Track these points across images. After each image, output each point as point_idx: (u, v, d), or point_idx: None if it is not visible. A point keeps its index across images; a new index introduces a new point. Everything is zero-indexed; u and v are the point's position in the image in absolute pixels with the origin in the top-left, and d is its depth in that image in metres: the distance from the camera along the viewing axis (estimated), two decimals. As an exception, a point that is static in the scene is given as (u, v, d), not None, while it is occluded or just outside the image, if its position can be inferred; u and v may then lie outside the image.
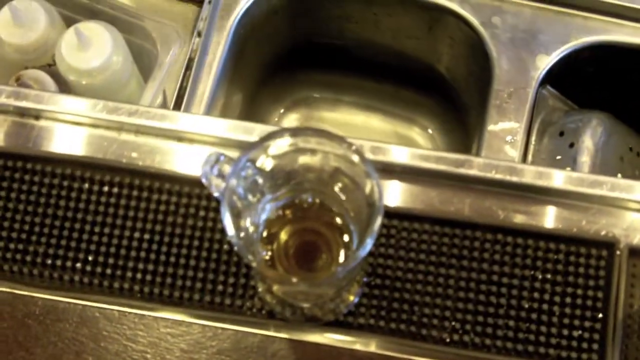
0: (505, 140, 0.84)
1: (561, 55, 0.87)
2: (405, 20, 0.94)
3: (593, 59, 0.89)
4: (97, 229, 0.65)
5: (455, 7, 0.88)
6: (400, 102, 1.07)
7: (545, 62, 0.87)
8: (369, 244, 0.50)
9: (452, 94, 1.00)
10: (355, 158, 0.53)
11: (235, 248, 0.52)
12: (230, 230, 0.51)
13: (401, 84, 1.05)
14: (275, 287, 0.61)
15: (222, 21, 0.88)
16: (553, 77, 0.88)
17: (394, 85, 1.06)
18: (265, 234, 0.57)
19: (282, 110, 1.06)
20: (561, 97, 0.91)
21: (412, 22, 0.94)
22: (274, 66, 1.01)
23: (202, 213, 0.65)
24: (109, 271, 0.64)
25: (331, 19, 0.97)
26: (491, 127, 0.85)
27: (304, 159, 0.54)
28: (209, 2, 0.89)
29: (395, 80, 1.05)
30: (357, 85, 1.07)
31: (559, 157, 0.86)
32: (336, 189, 0.57)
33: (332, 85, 1.08)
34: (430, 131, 1.07)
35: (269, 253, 0.56)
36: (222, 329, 0.63)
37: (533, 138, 0.88)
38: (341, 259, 0.56)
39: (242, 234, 0.53)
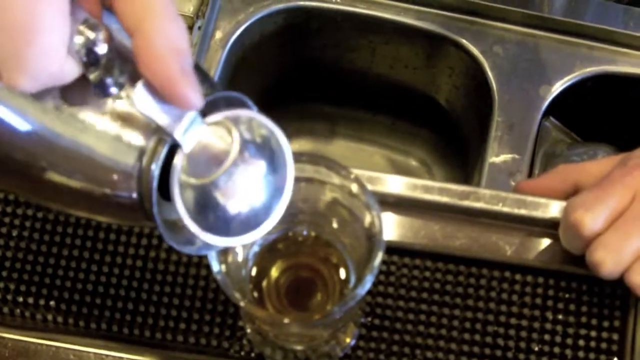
0: (507, 173, 0.81)
1: (565, 85, 0.84)
2: (402, 49, 0.91)
3: (598, 90, 0.86)
4: (73, 264, 0.60)
5: (454, 35, 0.86)
6: (397, 134, 1.04)
7: (548, 93, 0.84)
8: (368, 281, 0.47)
9: (451, 126, 0.97)
10: (355, 188, 0.50)
11: (221, 286, 0.48)
12: (215, 265, 0.48)
13: (398, 115, 1.02)
14: (265, 328, 0.57)
15: (212, 49, 0.85)
16: (556, 108, 0.85)
17: (391, 117, 1.03)
18: (254, 269, 0.53)
19: (274, 143, 1.03)
20: (565, 129, 0.89)
21: (410, 51, 0.91)
22: (265, 96, 0.98)
23: (187, 247, 0.60)
24: (85, 310, 0.60)
25: (326, 47, 0.94)
26: (492, 160, 0.82)
27: (298, 188, 0.51)
28: (199, 28, 0.85)
29: (391, 111, 1.02)
30: (352, 116, 1.04)
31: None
32: (333, 221, 0.53)
33: (326, 116, 1.05)
34: (427, 163, 1.04)
35: (259, 291, 0.52)
36: (208, 373, 0.59)
37: (536, 171, 0.85)
38: (338, 297, 0.52)
39: (229, 270, 0.49)
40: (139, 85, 0.38)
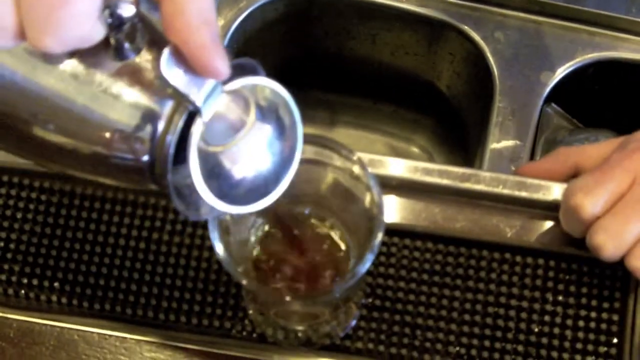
0: (509, 159, 0.81)
1: (566, 71, 0.84)
2: (404, 35, 0.91)
3: (599, 76, 0.86)
4: (76, 246, 0.61)
5: (456, 22, 0.86)
6: (398, 121, 1.04)
7: (550, 79, 0.84)
8: (368, 260, 0.47)
9: (452, 112, 0.97)
10: (356, 169, 0.50)
11: (224, 266, 0.48)
12: (218, 246, 0.48)
13: (400, 102, 1.02)
14: (266, 308, 0.57)
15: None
16: (558, 94, 0.85)
17: (392, 104, 1.03)
18: (256, 249, 0.53)
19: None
20: (566, 115, 0.89)
21: (411, 37, 0.91)
22: (267, 83, 0.98)
23: (189, 229, 0.61)
24: (88, 291, 0.60)
25: (328, 34, 0.94)
26: (493, 146, 0.82)
27: (301, 169, 0.51)
28: (201, 15, 0.85)
29: (393, 98, 1.02)
30: (354, 104, 1.04)
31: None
32: (334, 202, 0.53)
33: (327, 104, 1.05)
34: (429, 151, 1.04)
35: (261, 270, 0.52)
36: (210, 353, 0.59)
37: (538, 157, 0.85)
38: (338, 276, 0.52)
39: (231, 250, 0.49)
40: (167, 52, 0.38)
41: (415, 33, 0.90)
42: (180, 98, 0.39)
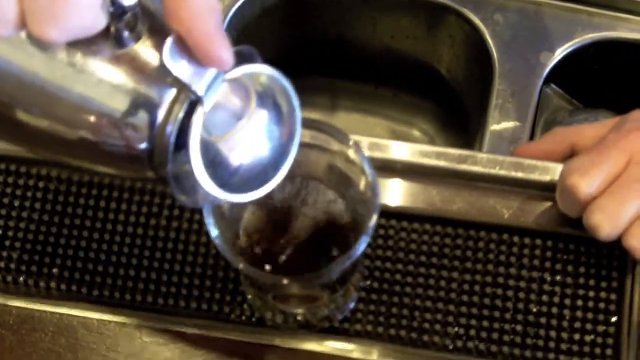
0: (509, 140, 0.81)
1: (566, 52, 0.84)
2: (403, 19, 0.91)
3: (598, 56, 0.86)
4: (75, 233, 0.61)
5: (455, 4, 0.85)
6: (399, 105, 1.04)
7: (549, 60, 0.84)
8: (363, 242, 0.48)
9: (452, 95, 0.97)
10: (351, 153, 0.50)
11: (220, 249, 0.48)
12: (213, 230, 0.48)
13: (400, 86, 1.02)
14: (265, 292, 0.57)
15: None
16: (557, 75, 0.85)
17: (393, 88, 1.03)
18: (253, 235, 0.53)
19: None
20: (566, 95, 0.88)
21: (410, 21, 0.91)
22: (267, 69, 0.98)
23: (187, 215, 0.61)
24: (87, 277, 0.60)
25: (327, 19, 0.94)
26: (493, 127, 0.82)
27: (297, 153, 0.51)
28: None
29: (393, 83, 1.02)
30: (355, 89, 1.04)
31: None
32: (330, 184, 0.53)
33: (328, 89, 1.05)
34: (430, 134, 1.04)
35: (257, 254, 0.52)
36: (209, 337, 0.59)
37: (537, 138, 0.85)
38: (334, 258, 0.52)
39: (227, 235, 0.50)
40: (170, 40, 0.37)
41: (414, 16, 0.90)
42: (181, 88, 0.39)
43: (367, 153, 0.61)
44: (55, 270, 0.60)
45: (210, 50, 0.38)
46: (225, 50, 0.38)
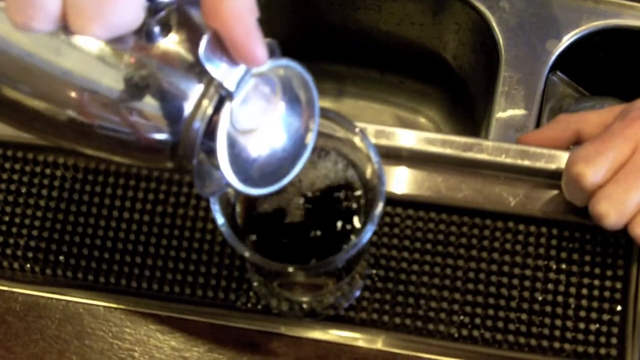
0: (515, 128, 0.81)
1: (572, 40, 0.84)
2: (409, 5, 0.91)
3: (604, 44, 0.86)
4: (81, 220, 0.61)
5: (461, -9, 0.85)
6: (405, 92, 1.04)
7: (555, 48, 0.83)
8: (369, 230, 0.48)
9: (458, 83, 0.96)
10: (357, 140, 0.50)
11: (227, 237, 0.48)
12: (219, 218, 0.48)
13: (406, 73, 1.02)
14: (270, 280, 0.57)
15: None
16: (563, 62, 0.84)
17: (399, 75, 1.02)
18: (257, 221, 0.53)
19: (282, 103, 1.03)
20: (572, 83, 0.88)
21: (416, 7, 0.90)
22: (273, 56, 0.97)
23: (193, 202, 0.61)
24: (93, 264, 0.60)
25: (333, 5, 0.94)
26: (499, 115, 0.82)
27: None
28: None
29: (400, 69, 1.02)
30: (361, 75, 1.04)
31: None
32: (336, 173, 0.53)
33: (334, 75, 1.05)
34: (436, 121, 1.03)
35: (263, 243, 0.52)
36: (215, 325, 0.59)
37: (543, 125, 0.84)
38: (340, 246, 0.52)
39: (233, 222, 0.50)
40: (206, 38, 0.38)
41: (420, 3, 0.90)
42: (212, 84, 0.39)
43: (373, 140, 0.61)
44: (61, 258, 0.60)
45: (250, 49, 0.38)
46: (261, 49, 0.38)
